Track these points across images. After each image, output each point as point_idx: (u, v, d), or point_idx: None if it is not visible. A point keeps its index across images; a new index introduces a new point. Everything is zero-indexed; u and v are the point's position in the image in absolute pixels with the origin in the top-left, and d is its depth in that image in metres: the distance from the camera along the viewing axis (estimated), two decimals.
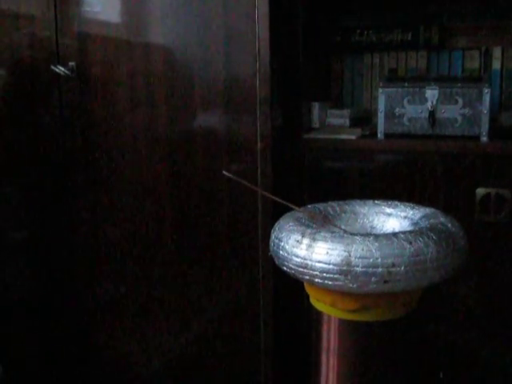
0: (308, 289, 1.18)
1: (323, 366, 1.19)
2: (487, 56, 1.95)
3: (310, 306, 1.21)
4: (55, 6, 1.88)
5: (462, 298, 1.68)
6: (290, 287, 1.38)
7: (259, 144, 1.68)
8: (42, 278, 2.07)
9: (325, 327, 1.18)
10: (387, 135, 1.78)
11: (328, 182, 1.80)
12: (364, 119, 2.07)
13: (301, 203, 1.33)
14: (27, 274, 2.08)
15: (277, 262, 1.15)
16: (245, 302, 1.81)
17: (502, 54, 1.94)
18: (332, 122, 1.98)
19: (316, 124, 1.96)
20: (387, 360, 1.17)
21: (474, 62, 1.97)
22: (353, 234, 1.06)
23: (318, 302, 1.17)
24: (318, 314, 1.18)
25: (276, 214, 1.27)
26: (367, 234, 1.06)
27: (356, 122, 2.00)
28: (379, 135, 1.79)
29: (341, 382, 1.17)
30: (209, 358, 1.90)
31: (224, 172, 1.28)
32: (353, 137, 1.80)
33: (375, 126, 1.81)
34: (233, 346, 1.86)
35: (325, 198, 1.37)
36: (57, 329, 2.08)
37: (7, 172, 2.03)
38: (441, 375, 1.67)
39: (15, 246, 2.07)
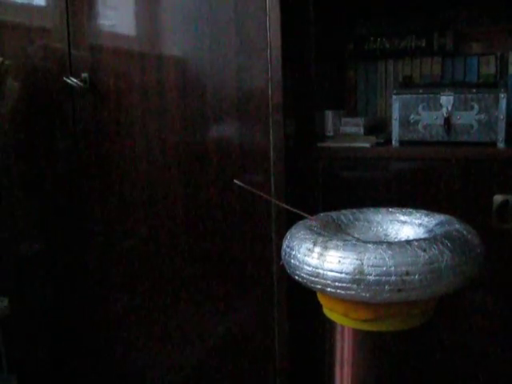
0: (321, 298, 1.16)
1: (337, 377, 1.17)
2: (503, 61, 1.93)
3: (324, 316, 1.19)
4: (68, 19, 1.88)
5: (481, 306, 1.65)
6: (306, 296, 1.35)
7: (272, 153, 1.67)
8: (55, 289, 2.07)
9: (338, 337, 1.16)
10: (402, 142, 1.76)
11: (342, 191, 1.78)
12: (379, 127, 2.05)
13: (315, 212, 1.32)
14: (41, 285, 2.08)
15: (288, 271, 1.13)
16: (260, 312, 1.79)
17: None
18: (346, 130, 1.96)
19: (330, 132, 1.94)
20: (403, 371, 1.15)
21: (489, 68, 1.95)
22: (365, 242, 1.04)
23: (331, 312, 1.15)
24: (332, 324, 1.16)
25: (290, 223, 1.25)
26: (380, 242, 1.04)
27: (371, 129, 1.99)
28: (394, 143, 1.77)
29: None
30: (223, 368, 1.88)
31: (235, 181, 1.27)
32: (367, 145, 1.78)
33: (390, 134, 1.79)
34: (247, 358, 1.84)
35: (339, 207, 1.35)
36: (70, 341, 2.07)
37: (20, 183, 2.04)
38: None
39: (29, 258, 2.08)
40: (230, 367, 1.87)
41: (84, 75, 1.88)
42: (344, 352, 1.16)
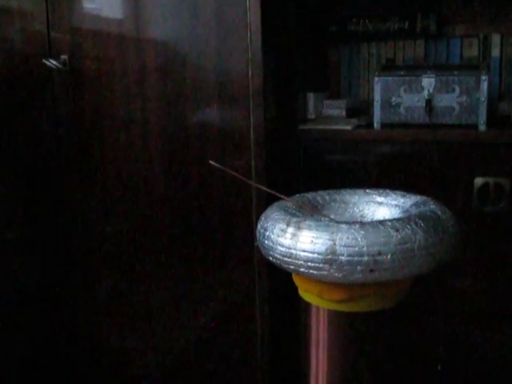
0: (296, 280, 1.16)
1: (313, 357, 1.17)
2: (486, 43, 1.92)
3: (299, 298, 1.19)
4: (47, 0, 1.86)
5: (460, 288, 1.65)
6: (287, 279, 1.35)
7: (253, 135, 1.66)
8: (39, 276, 2.06)
9: (313, 318, 1.16)
10: (383, 125, 1.75)
11: (324, 173, 1.78)
12: (361, 109, 2.04)
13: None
14: (24, 273, 2.06)
15: (263, 253, 1.12)
16: (241, 296, 1.79)
17: (501, 42, 1.90)
18: (328, 113, 1.95)
19: (312, 115, 1.93)
20: (377, 352, 1.15)
21: (472, 50, 1.94)
22: (338, 222, 1.04)
23: (306, 293, 1.14)
24: (307, 305, 1.16)
25: (270, 204, 1.24)
26: (353, 222, 1.04)
27: (353, 112, 1.98)
28: (375, 125, 1.76)
29: (330, 373, 1.15)
30: (207, 347, 1.88)
31: (211, 162, 1.26)
32: (348, 127, 1.77)
33: (372, 117, 1.78)
34: (230, 338, 1.84)
35: (321, 189, 1.34)
36: (54, 328, 2.07)
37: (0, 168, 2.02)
38: (439, 367, 1.64)
39: (11, 245, 2.06)
40: (214, 347, 1.87)
41: (64, 57, 1.86)
42: (319, 333, 1.16)
